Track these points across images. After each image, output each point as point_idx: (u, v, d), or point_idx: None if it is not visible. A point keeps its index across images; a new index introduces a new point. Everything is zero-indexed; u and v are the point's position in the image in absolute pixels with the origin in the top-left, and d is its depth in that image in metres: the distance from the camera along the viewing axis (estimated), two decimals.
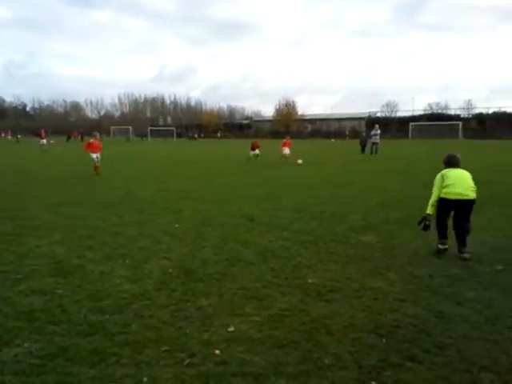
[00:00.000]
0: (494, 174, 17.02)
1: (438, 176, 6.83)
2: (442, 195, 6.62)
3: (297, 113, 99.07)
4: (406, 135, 73.46)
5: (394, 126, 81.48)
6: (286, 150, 25.23)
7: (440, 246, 6.76)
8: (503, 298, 4.98)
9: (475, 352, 3.79)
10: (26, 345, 3.86)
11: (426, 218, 6.79)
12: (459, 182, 6.58)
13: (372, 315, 4.52)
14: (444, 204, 6.65)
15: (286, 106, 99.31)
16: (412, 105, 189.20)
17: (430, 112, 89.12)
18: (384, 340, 4.00)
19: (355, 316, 4.50)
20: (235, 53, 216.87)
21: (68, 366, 3.51)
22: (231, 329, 4.16)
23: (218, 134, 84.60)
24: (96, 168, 18.35)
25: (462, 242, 6.49)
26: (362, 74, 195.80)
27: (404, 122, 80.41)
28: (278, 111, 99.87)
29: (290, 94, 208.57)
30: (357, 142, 37.54)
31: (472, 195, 6.53)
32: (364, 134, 37.90)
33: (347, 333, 4.13)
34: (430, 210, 6.79)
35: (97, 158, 18.64)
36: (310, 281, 5.51)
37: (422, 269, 5.95)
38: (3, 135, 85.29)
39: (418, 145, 49.39)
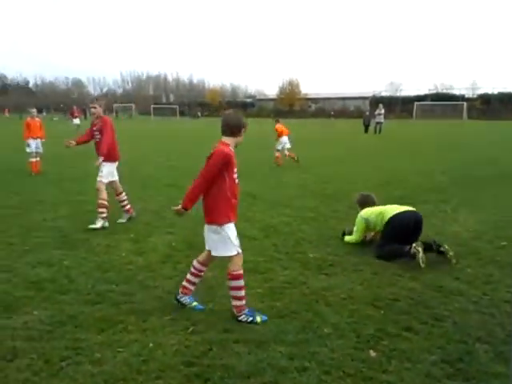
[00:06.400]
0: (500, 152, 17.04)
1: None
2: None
3: (300, 92, 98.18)
4: (410, 115, 72.87)
5: (398, 106, 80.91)
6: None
7: None
8: (501, 273, 5.07)
9: (471, 324, 3.90)
10: (35, 312, 3.99)
11: None
12: None
13: (370, 288, 4.64)
14: None
15: (290, 84, 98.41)
16: (416, 85, 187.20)
17: (434, 92, 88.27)
18: (382, 312, 4.12)
19: (354, 289, 4.62)
20: (238, 28, 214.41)
21: (76, 332, 3.65)
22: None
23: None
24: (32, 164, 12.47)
25: None
26: (367, 52, 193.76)
27: (408, 101, 79.72)
28: (282, 90, 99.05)
29: (295, 72, 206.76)
30: (360, 121, 37.32)
31: None
32: (367, 114, 37.67)
33: (345, 304, 4.26)
34: None
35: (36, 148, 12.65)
36: (310, 255, 5.63)
37: None
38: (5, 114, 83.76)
39: (423, 125, 49.16)
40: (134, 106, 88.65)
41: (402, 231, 5.60)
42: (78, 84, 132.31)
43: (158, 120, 70.08)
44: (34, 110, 13.09)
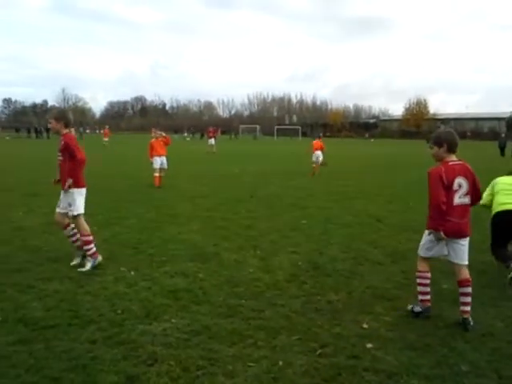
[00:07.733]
0: None
1: None
2: None
3: (428, 112, 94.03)
4: None
5: None
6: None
7: None
8: None
9: None
10: (173, 320, 4.27)
11: None
12: None
13: None
14: None
15: (417, 104, 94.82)
16: None
17: None
18: None
19: (494, 325, 4.26)
20: (368, 50, 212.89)
21: (210, 342, 3.83)
22: (365, 325, 4.18)
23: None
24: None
25: None
26: (506, 71, 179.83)
27: None
28: (408, 110, 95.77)
29: (423, 92, 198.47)
30: (495, 143, 34.56)
31: None
32: (503, 136, 34.70)
33: (485, 341, 3.94)
34: None
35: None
36: (444, 286, 5.31)
37: None
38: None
39: None
40: (258, 127, 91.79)
41: (496, 232, 5.67)
42: (209, 107, 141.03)
43: (281, 140, 71.75)
44: (160, 133, 14.64)
